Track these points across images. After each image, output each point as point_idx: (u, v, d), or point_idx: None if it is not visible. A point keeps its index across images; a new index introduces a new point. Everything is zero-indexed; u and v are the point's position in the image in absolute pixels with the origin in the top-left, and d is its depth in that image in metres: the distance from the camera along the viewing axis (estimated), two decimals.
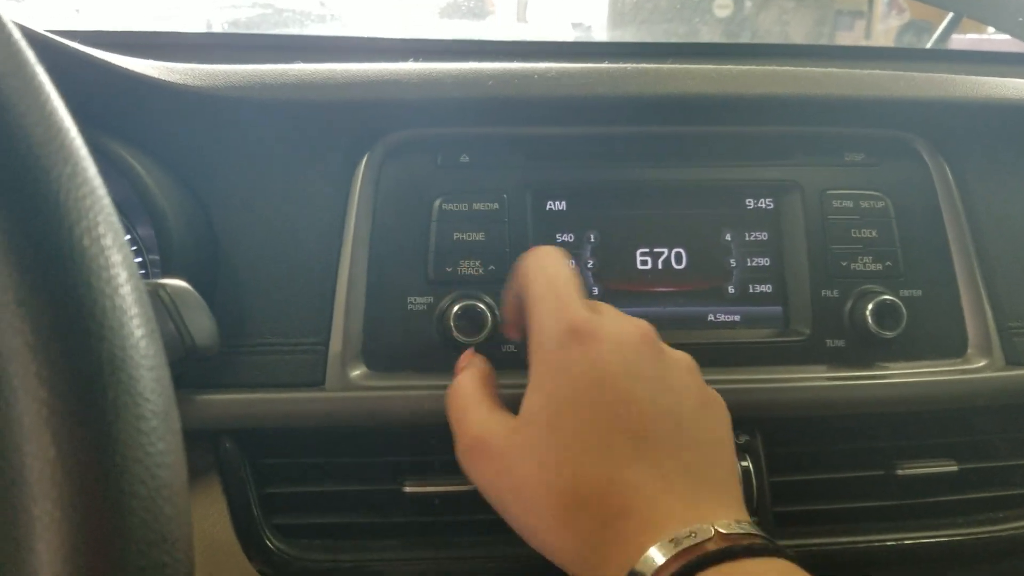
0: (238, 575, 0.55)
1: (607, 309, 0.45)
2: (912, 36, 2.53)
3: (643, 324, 0.44)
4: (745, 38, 2.19)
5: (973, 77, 0.64)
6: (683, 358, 0.45)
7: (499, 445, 0.41)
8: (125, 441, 0.22)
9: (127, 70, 0.51)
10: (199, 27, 1.33)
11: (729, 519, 0.37)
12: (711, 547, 0.35)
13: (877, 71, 0.63)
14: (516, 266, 0.47)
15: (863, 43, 2.55)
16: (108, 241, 0.22)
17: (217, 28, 1.37)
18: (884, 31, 2.57)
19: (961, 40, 1.74)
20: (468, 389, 0.45)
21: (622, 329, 0.43)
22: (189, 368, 0.41)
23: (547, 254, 0.46)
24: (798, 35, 2.44)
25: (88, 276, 0.21)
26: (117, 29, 0.85)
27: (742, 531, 0.37)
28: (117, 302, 0.22)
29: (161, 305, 0.36)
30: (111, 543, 0.22)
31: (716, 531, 0.36)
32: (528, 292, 0.45)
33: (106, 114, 0.52)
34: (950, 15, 1.16)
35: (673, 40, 1.52)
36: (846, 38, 2.46)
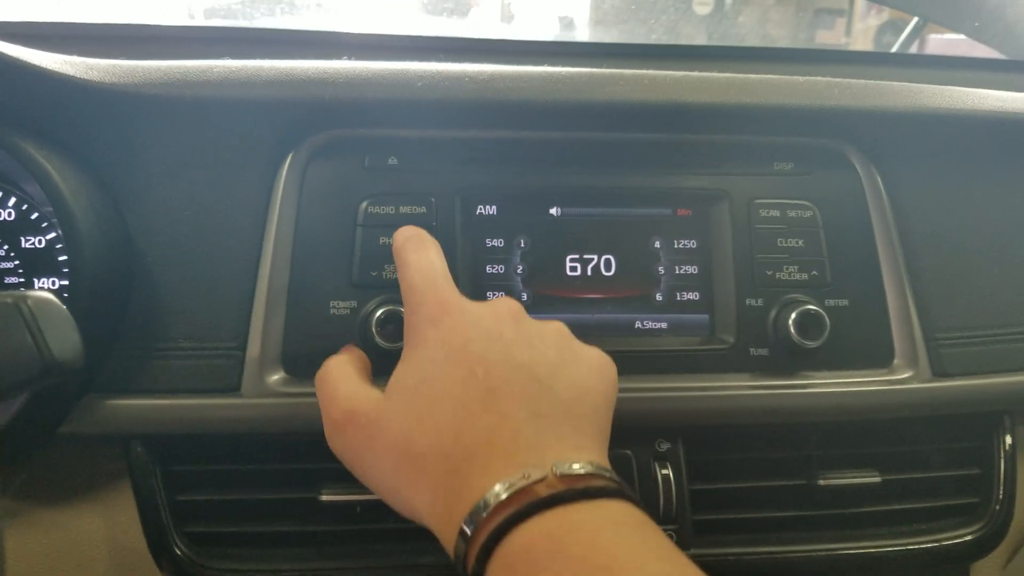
0: None
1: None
2: (891, 35, 2.53)
3: (510, 301, 0.47)
4: (726, 35, 2.19)
5: (910, 85, 0.63)
6: (551, 323, 0.47)
7: (368, 414, 0.43)
8: None
9: (44, 68, 0.51)
10: (181, 15, 1.32)
11: (581, 460, 0.38)
12: (542, 491, 0.36)
13: (814, 78, 0.63)
14: (393, 250, 0.49)
15: (843, 41, 2.55)
16: None
17: (198, 16, 1.36)
18: (863, 30, 2.57)
19: (939, 41, 1.74)
20: (338, 369, 0.47)
21: (487, 304, 0.46)
22: (63, 383, 0.40)
23: (421, 243, 0.49)
24: (779, 33, 2.44)
25: None
26: (63, 21, 0.83)
27: (583, 472, 0.37)
28: None
29: (20, 318, 0.35)
30: None
31: (553, 473, 0.37)
32: (405, 277, 0.47)
33: (20, 111, 0.52)
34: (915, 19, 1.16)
35: (652, 37, 1.52)
36: (827, 36, 2.46)
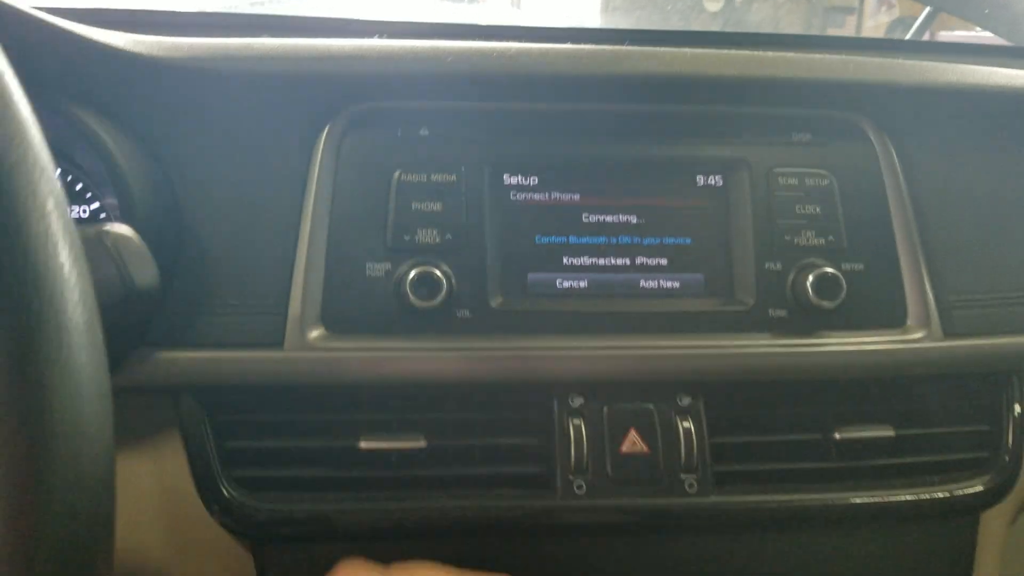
0: (199, 526, 0.57)
1: None
2: (901, 32, 2.56)
3: None
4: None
5: (919, 62, 0.66)
6: None
7: None
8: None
9: (95, 40, 0.54)
10: (191, 5, 1.35)
11: None
12: None
13: (830, 56, 0.65)
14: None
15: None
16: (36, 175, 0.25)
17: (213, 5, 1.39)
18: (874, 27, 2.59)
19: (950, 36, 1.76)
20: None
21: None
22: (137, 312, 0.43)
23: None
24: (789, 31, 2.46)
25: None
26: (98, 7, 0.87)
27: None
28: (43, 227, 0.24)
29: (103, 249, 0.38)
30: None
31: None
32: None
33: (77, 84, 0.55)
34: (927, 9, 1.18)
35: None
36: (837, 33, 2.48)
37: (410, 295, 0.57)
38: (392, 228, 0.59)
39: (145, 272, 0.40)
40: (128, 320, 0.50)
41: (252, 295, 0.57)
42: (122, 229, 0.40)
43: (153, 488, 0.58)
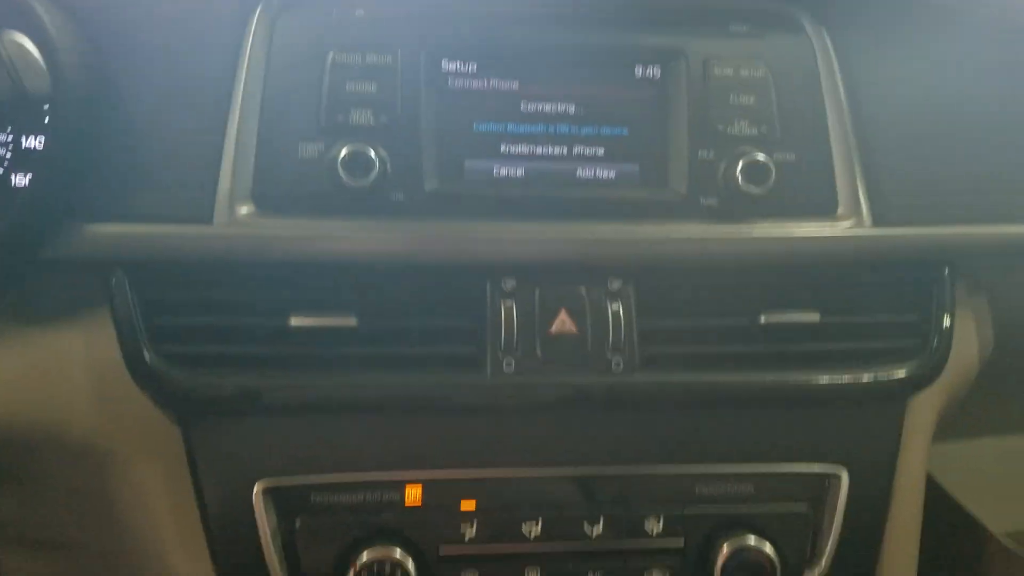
0: (128, 400, 0.58)
1: None
2: None
3: None
4: None
5: None
6: None
7: None
8: None
9: None
10: None
11: None
12: None
13: None
14: None
15: None
16: None
17: None
18: None
19: None
20: None
21: None
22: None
23: None
24: None
25: None
26: None
27: None
28: None
29: None
30: None
31: None
32: None
33: None
34: None
35: None
36: None
37: (342, 174, 0.57)
38: (326, 108, 0.59)
39: (37, 80, 0.39)
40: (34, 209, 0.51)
41: (182, 169, 0.57)
42: (18, 36, 0.40)
43: (82, 361, 0.58)
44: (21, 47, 0.41)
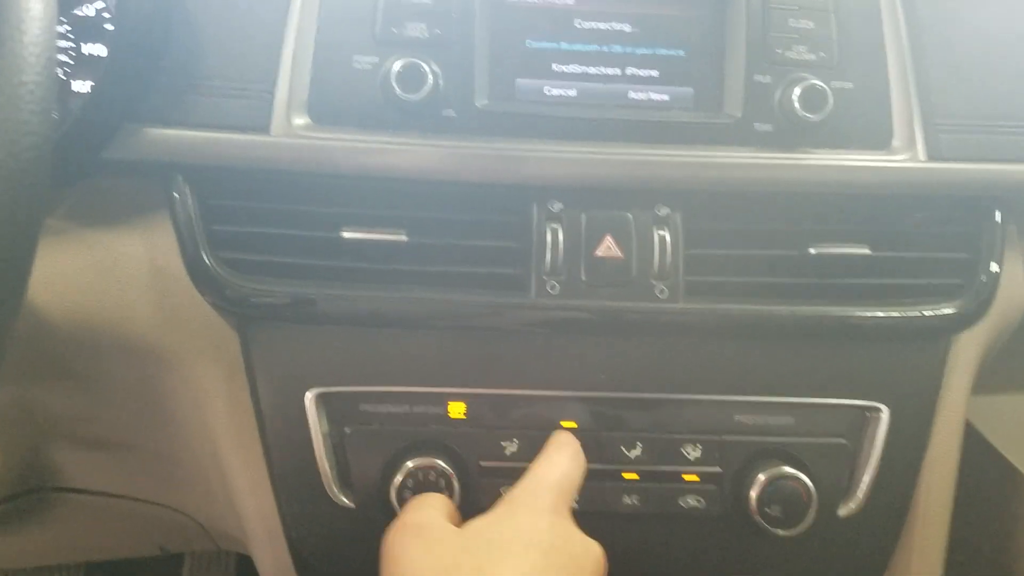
0: (188, 303, 0.60)
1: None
2: None
3: (593, 547, 0.52)
4: None
5: None
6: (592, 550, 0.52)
7: (435, 531, 0.50)
8: None
9: None
10: None
11: None
12: None
13: None
14: (548, 442, 0.59)
15: None
16: None
17: None
18: None
19: None
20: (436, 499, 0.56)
21: (570, 533, 0.51)
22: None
23: (576, 456, 0.57)
24: None
25: None
26: None
27: None
28: None
29: None
30: None
31: None
32: (543, 468, 0.55)
33: None
34: None
35: None
36: None
37: (395, 87, 0.57)
38: (381, 20, 0.59)
39: None
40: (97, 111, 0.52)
41: (240, 79, 0.57)
42: None
43: (144, 267, 0.60)
44: None
